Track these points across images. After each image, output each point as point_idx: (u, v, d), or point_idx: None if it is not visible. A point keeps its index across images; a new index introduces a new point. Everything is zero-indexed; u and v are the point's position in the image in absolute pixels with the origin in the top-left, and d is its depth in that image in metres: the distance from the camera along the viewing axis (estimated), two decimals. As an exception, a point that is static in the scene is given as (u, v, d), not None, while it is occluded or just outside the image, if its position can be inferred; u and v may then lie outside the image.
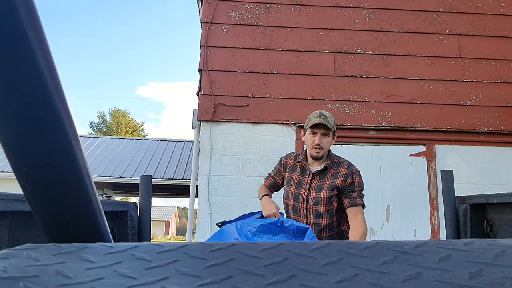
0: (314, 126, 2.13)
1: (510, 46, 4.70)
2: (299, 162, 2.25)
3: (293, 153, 2.36)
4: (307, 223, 2.13)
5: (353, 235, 2.02)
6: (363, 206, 2.13)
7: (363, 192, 2.18)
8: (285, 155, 2.39)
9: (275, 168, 2.42)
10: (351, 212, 2.09)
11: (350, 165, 2.20)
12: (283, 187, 2.36)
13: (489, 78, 4.60)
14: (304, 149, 2.29)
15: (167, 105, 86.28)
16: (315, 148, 2.13)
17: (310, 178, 2.17)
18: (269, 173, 2.47)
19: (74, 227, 0.48)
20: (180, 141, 10.56)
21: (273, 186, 2.42)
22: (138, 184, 1.90)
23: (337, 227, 2.17)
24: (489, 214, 1.79)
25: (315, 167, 2.19)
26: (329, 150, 2.24)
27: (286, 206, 2.26)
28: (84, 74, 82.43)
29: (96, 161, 8.83)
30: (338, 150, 4.38)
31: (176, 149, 9.92)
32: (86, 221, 0.50)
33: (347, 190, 2.12)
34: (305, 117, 4.36)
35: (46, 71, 0.41)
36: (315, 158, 2.17)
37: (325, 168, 2.17)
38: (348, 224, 2.12)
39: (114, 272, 0.31)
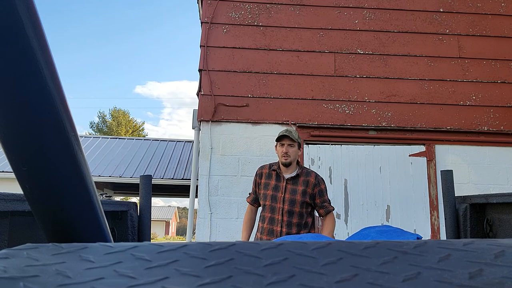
0: (280, 139, 2.65)
1: (510, 46, 4.70)
2: (274, 170, 2.70)
3: (267, 164, 2.81)
4: (281, 220, 2.57)
5: (323, 232, 2.61)
6: (333, 208, 2.69)
7: (328, 195, 2.71)
8: (259, 166, 2.82)
9: (253, 182, 2.82)
10: (325, 217, 2.66)
11: (317, 175, 2.69)
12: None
13: (489, 78, 4.60)
14: (277, 160, 2.77)
15: (166, 104, 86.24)
16: (283, 156, 2.61)
17: (284, 183, 2.63)
18: (249, 193, 2.87)
19: (74, 227, 0.48)
20: (180, 141, 10.56)
21: (256, 200, 2.79)
22: (138, 184, 1.90)
23: (304, 227, 2.59)
24: (489, 214, 1.79)
25: (288, 174, 2.66)
26: (298, 161, 2.72)
27: (264, 206, 2.67)
28: (82, 72, 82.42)
29: (96, 161, 8.83)
30: (338, 150, 4.38)
31: (176, 149, 9.92)
32: (86, 221, 0.50)
33: (320, 200, 2.62)
34: (305, 117, 4.38)
35: (46, 71, 0.41)
36: (285, 165, 2.64)
37: (297, 175, 2.63)
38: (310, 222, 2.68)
39: (114, 272, 0.31)
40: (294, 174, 2.63)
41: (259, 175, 2.77)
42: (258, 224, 2.72)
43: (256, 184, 2.77)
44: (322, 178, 2.70)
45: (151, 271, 0.31)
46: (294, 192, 2.59)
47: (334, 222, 2.65)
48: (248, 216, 2.84)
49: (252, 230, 2.81)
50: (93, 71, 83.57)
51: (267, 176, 2.72)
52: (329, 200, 2.68)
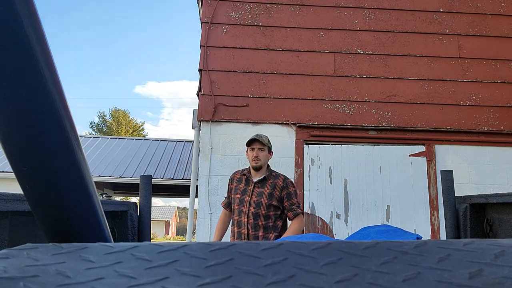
0: (251, 143, 2.71)
1: (510, 46, 4.70)
2: (244, 175, 2.76)
3: (239, 169, 2.89)
4: (247, 223, 2.61)
5: (285, 233, 2.60)
6: (302, 212, 2.71)
7: (298, 198, 2.73)
8: (233, 172, 2.90)
9: (227, 188, 2.88)
10: (293, 220, 2.67)
11: (285, 178, 2.72)
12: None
13: (489, 78, 4.60)
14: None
15: (166, 104, 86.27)
16: (254, 160, 2.67)
17: (252, 187, 2.69)
18: (225, 197, 2.95)
19: (74, 227, 0.48)
20: (180, 141, 10.56)
21: (229, 204, 2.85)
22: (138, 184, 1.89)
23: (273, 230, 2.61)
24: (489, 214, 1.79)
25: (257, 177, 2.71)
26: (268, 165, 2.78)
27: (233, 210, 2.74)
28: (82, 72, 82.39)
29: (96, 161, 8.83)
30: (338, 150, 4.38)
31: (176, 149, 9.92)
32: (86, 221, 0.50)
33: (288, 203, 2.64)
34: (305, 117, 4.37)
35: (46, 71, 0.41)
36: (255, 169, 2.70)
37: (264, 178, 2.68)
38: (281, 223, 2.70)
39: (114, 272, 0.31)
40: (261, 177, 2.69)
41: (231, 180, 2.84)
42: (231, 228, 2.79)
43: (229, 189, 2.85)
44: (291, 181, 2.74)
45: (151, 271, 0.31)
46: (260, 194, 2.63)
47: (301, 224, 2.66)
48: (221, 219, 2.92)
49: (223, 233, 2.90)
50: (93, 71, 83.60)
51: (238, 180, 2.79)
52: (299, 204, 2.70)
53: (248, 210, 2.62)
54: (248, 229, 2.59)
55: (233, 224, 2.71)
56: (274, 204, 2.62)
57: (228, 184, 2.86)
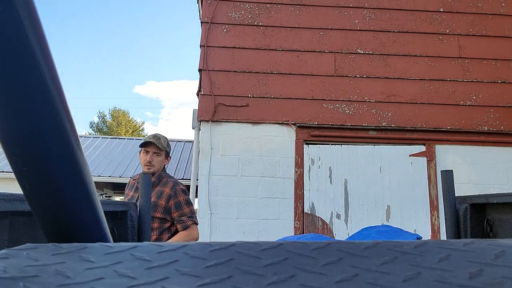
0: (145, 145, 2.39)
1: (510, 46, 4.70)
2: (135, 180, 2.49)
3: (140, 173, 2.57)
4: None
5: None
6: (196, 223, 2.37)
7: (191, 207, 2.38)
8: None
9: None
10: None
11: (174, 185, 2.37)
12: None
13: (489, 78, 4.60)
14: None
15: (165, 104, 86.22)
16: (146, 165, 2.37)
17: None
18: None
19: (74, 227, 0.48)
20: (180, 141, 10.57)
21: None
22: (138, 184, 1.89)
23: None
24: (489, 214, 1.79)
25: None
26: (164, 168, 2.48)
27: None
28: (81, 72, 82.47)
29: (96, 161, 8.84)
30: (338, 150, 4.38)
31: (176, 149, 9.93)
32: (86, 221, 0.50)
33: (177, 214, 2.30)
34: (305, 117, 4.37)
35: (46, 71, 0.41)
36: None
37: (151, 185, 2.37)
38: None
39: (114, 272, 0.31)
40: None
41: (128, 186, 2.58)
42: None
43: (126, 196, 2.61)
44: (182, 189, 2.42)
45: (151, 271, 0.31)
46: None
47: (189, 237, 2.29)
48: None
49: None
50: (93, 71, 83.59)
51: (131, 187, 2.52)
52: (192, 213, 2.37)
53: None
54: None
55: None
56: (158, 216, 2.27)
57: (125, 191, 2.60)
